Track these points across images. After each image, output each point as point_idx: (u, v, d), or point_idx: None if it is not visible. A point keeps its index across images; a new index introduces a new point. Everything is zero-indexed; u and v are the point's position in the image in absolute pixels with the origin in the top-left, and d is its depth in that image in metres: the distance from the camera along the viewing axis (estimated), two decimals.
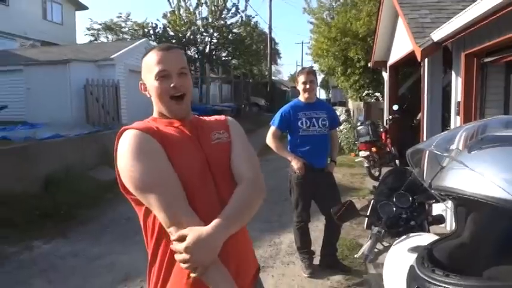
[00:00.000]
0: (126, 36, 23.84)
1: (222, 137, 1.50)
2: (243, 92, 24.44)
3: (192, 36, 22.11)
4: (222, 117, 1.64)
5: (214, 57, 23.35)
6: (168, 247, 1.31)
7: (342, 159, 9.20)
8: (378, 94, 13.65)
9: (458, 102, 4.65)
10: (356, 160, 9.14)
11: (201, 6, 22.06)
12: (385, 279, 1.77)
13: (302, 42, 49.62)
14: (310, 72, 3.89)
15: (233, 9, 22.67)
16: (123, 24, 24.53)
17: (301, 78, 3.82)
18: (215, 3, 21.84)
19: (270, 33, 30.81)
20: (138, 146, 1.31)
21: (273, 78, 36.79)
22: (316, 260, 4.03)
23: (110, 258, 4.42)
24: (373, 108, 11.83)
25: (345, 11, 13.48)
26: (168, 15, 22.08)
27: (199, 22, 22.20)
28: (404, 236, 1.95)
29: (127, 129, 1.38)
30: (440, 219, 2.31)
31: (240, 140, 1.55)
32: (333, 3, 15.52)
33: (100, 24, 24.57)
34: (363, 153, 8.03)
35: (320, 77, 26.36)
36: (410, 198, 2.16)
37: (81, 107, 10.49)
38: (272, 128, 3.93)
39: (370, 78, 12.99)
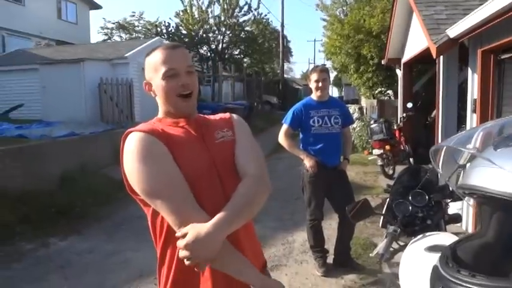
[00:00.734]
0: (139, 35, 24.02)
1: (226, 135, 1.49)
2: (255, 90, 24.42)
3: (204, 35, 22.19)
4: (227, 115, 1.62)
5: (226, 55, 23.39)
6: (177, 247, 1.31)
7: (355, 157, 9.14)
8: (391, 92, 13.52)
9: (475, 100, 4.57)
10: (369, 158, 9.07)
11: (213, 5, 22.14)
12: (401, 279, 1.75)
13: (314, 40, 49.29)
14: (323, 70, 3.86)
15: (245, 7, 22.69)
16: (136, 23, 24.76)
17: (314, 76, 3.80)
18: (227, 2, 21.86)
19: (282, 30, 30.72)
20: (144, 149, 1.30)
21: (285, 76, 36.69)
22: (330, 259, 4.01)
23: (124, 255, 4.46)
24: (386, 106, 11.72)
25: (358, 8, 13.37)
26: (181, 13, 22.18)
27: (211, 20, 22.28)
28: (420, 235, 1.93)
29: (132, 131, 1.36)
30: (457, 218, 2.29)
31: (245, 137, 1.53)
32: (347, 0, 15.42)
33: (113, 23, 24.80)
34: (376, 151, 7.96)
35: (333, 75, 26.21)
36: (427, 197, 2.14)
37: (96, 105, 10.60)
38: (284, 126, 3.92)
39: (383, 76, 12.86)
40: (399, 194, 2.25)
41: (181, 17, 22.19)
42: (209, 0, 21.93)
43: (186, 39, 22.02)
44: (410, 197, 2.14)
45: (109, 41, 23.38)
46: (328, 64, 15.95)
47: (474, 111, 4.59)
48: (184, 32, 22.30)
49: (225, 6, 22.05)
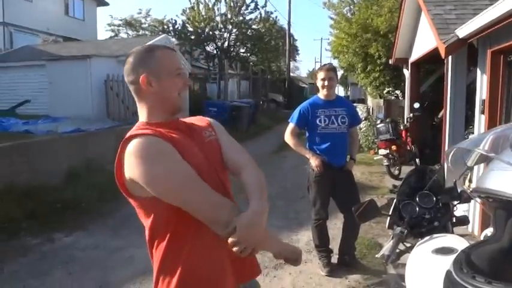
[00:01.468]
0: (146, 32, 24.06)
1: (211, 135, 1.59)
2: (261, 89, 24.41)
3: (211, 32, 22.19)
4: (204, 118, 1.72)
5: (232, 53, 23.38)
6: (183, 243, 1.40)
7: (360, 157, 9.09)
8: (398, 92, 13.44)
9: (483, 101, 4.53)
10: (375, 158, 9.03)
11: (220, 3, 22.12)
12: (407, 280, 1.74)
13: (321, 39, 49.05)
14: (330, 69, 3.83)
15: (252, 5, 22.65)
16: (143, 20, 24.81)
17: (321, 75, 3.77)
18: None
19: (289, 29, 30.67)
20: (156, 151, 1.34)
21: (291, 74, 36.65)
22: (334, 259, 4.00)
23: (128, 252, 4.47)
24: (393, 106, 11.65)
25: (366, 7, 13.28)
26: (187, 11, 22.19)
27: (218, 18, 22.26)
28: (427, 237, 1.91)
29: (135, 136, 1.37)
30: (464, 220, 2.26)
31: (226, 136, 1.66)
32: None
33: (120, 20, 24.87)
34: (382, 152, 7.92)
35: (339, 74, 26.07)
36: (434, 199, 2.11)
37: (102, 101, 10.64)
38: (290, 125, 3.90)
39: (390, 76, 12.78)
40: (406, 195, 2.22)
41: (188, 14, 22.20)
42: None
43: (193, 37, 22.04)
44: (417, 198, 2.12)
45: (116, 38, 23.44)
46: (335, 63, 15.87)
47: (482, 112, 4.55)
48: (190, 29, 22.30)
49: (232, 4, 22.03)
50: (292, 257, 1.54)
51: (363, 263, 3.99)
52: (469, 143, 1.54)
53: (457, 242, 1.73)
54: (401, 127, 8.39)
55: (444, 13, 5.63)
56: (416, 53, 8.22)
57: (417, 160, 7.96)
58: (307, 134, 3.93)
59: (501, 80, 4.24)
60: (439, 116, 7.83)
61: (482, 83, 4.64)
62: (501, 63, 4.24)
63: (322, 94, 3.84)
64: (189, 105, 15.30)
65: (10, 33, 16.90)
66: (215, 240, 1.38)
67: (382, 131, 8.05)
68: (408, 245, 2.10)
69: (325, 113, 3.77)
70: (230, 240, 1.28)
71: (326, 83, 3.75)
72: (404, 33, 8.74)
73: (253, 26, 23.60)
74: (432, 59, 7.12)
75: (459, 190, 2.07)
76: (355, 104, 8.30)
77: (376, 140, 8.87)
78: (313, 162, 3.71)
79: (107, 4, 23.65)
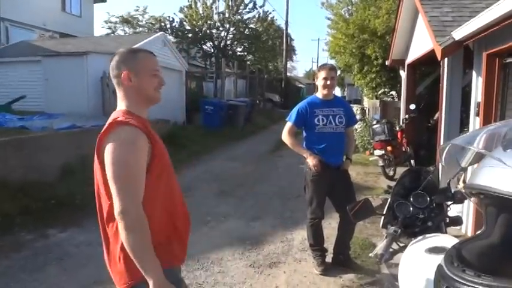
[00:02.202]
0: (142, 29, 23.96)
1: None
2: (257, 88, 24.40)
3: (208, 31, 22.12)
4: None
5: (230, 52, 23.34)
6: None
7: (356, 157, 9.13)
8: (394, 93, 13.50)
9: (478, 103, 4.56)
10: (371, 159, 9.06)
11: (218, 1, 22.08)
12: (400, 280, 1.75)
13: (318, 39, 49.18)
14: (332, 69, 3.87)
15: (250, 5, 22.63)
16: (140, 18, 24.66)
17: (322, 74, 3.78)
18: None
19: (286, 29, 30.74)
20: (134, 140, 1.58)
21: (288, 74, 36.67)
22: (329, 258, 4.02)
23: None
24: (389, 107, 11.70)
25: (363, 8, 13.33)
26: (185, 9, 22.12)
27: (215, 17, 22.20)
28: (421, 237, 1.92)
29: (125, 123, 1.61)
30: (457, 221, 2.28)
31: None
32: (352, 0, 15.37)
33: (117, 17, 24.74)
34: (378, 152, 7.95)
35: None
36: (428, 199, 2.13)
37: (98, 98, 10.60)
38: (288, 124, 3.91)
39: (387, 77, 12.84)
40: (400, 195, 2.24)
41: (185, 12, 22.12)
42: None
43: (190, 35, 21.97)
44: (411, 198, 2.13)
45: (112, 35, 23.33)
46: (332, 63, 15.90)
47: (477, 114, 4.58)
48: (188, 27, 22.24)
49: (230, 3, 21.99)
50: None
51: (357, 262, 4.01)
52: (463, 139, 1.55)
53: (450, 242, 1.74)
54: (397, 128, 8.43)
55: (441, 15, 5.65)
56: (413, 55, 8.25)
57: (412, 161, 8.00)
58: (304, 134, 3.94)
59: (496, 82, 4.27)
60: (435, 118, 7.87)
61: (477, 85, 4.68)
62: (496, 66, 4.27)
63: (321, 93, 3.86)
64: (186, 104, 15.35)
65: (6, 28, 16.77)
66: (171, 217, 1.73)
67: (378, 132, 8.08)
68: (402, 244, 2.11)
69: (323, 113, 3.79)
70: None
71: (328, 82, 3.76)
72: (401, 34, 8.77)
73: (251, 25, 23.57)
74: (428, 61, 7.15)
75: (453, 191, 2.09)
76: (350, 105, 8.33)
77: (371, 141, 8.91)
78: (311, 161, 3.72)
79: (104, 1, 23.52)
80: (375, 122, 8.72)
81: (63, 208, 5.66)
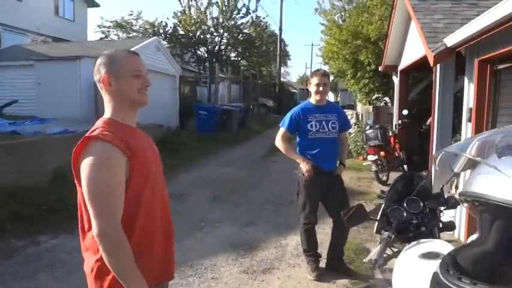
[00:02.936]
0: (136, 34, 23.93)
1: (157, 149, 1.84)
2: (251, 93, 24.44)
3: (202, 36, 22.15)
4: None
5: (223, 57, 23.38)
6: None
7: (349, 162, 9.15)
8: (387, 98, 13.58)
9: (470, 109, 4.60)
10: (364, 164, 9.09)
11: (212, 6, 22.11)
12: (394, 285, 1.75)
13: (312, 45, 49.44)
14: (325, 75, 3.87)
15: (244, 10, 22.70)
16: (134, 22, 24.64)
17: (315, 80, 3.80)
18: (226, 4, 21.87)
19: (280, 34, 30.84)
20: (105, 159, 1.50)
21: (282, 79, 36.77)
22: (322, 263, 4.01)
23: None
24: (382, 113, 11.77)
25: (357, 14, 13.43)
26: (179, 14, 22.14)
27: (209, 22, 22.23)
28: (414, 242, 1.93)
29: (98, 138, 1.53)
30: (451, 226, 2.29)
31: None
32: (345, 6, 15.48)
33: (111, 21, 24.70)
34: (371, 157, 7.99)
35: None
36: (422, 204, 2.14)
37: (91, 103, 10.53)
38: (281, 130, 3.92)
39: (380, 82, 12.92)
40: (394, 201, 2.24)
41: (179, 17, 22.13)
42: (208, 2, 21.92)
43: (183, 40, 21.98)
44: (405, 204, 2.14)
45: (106, 39, 23.27)
46: (325, 69, 15.97)
47: (469, 120, 4.62)
48: (181, 32, 22.25)
49: (224, 8, 22.05)
50: None
51: (350, 267, 4.00)
52: (457, 147, 1.56)
53: (443, 247, 1.75)
54: (390, 133, 8.48)
55: (433, 22, 5.71)
56: (406, 61, 8.32)
57: (405, 166, 8.05)
58: (297, 139, 3.94)
59: (488, 88, 4.32)
60: (427, 123, 7.93)
61: (469, 91, 4.72)
62: (488, 72, 4.31)
63: (314, 99, 3.87)
64: (179, 109, 15.32)
65: None
66: (149, 235, 1.64)
67: (371, 137, 8.12)
68: (395, 249, 2.12)
69: (317, 118, 3.79)
70: None
71: (320, 88, 3.77)
72: (394, 41, 8.85)
73: (245, 31, 23.64)
74: (421, 67, 7.22)
75: (446, 196, 2.10)
76: (344, 110, 8.36)
77: (365, 146, 8.94)
78: (304, 166, 3.73)
79: (97, 5, 23.48)
80: (368, 128, 8.77)
81: (54, 214, 5.59)
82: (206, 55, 23.05)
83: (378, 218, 2.25)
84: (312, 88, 3.83)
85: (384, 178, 7.87)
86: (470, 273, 1.13)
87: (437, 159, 1.71)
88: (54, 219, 5.48)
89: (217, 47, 22.87)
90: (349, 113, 14.19)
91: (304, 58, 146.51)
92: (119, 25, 24.54)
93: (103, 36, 24.60)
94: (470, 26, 4.05)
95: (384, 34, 10.58)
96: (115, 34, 24.91)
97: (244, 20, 23.16)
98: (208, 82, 20.27)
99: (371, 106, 13.29)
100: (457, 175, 1.89)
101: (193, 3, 21.88)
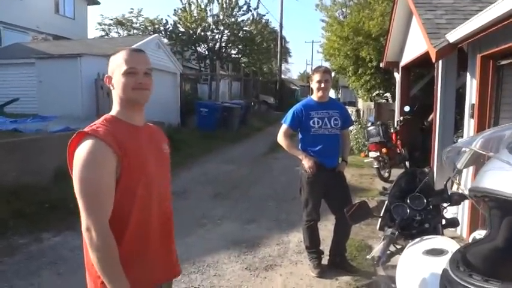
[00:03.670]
0: (137, 32, 23.89)
1: (166, 148, 1.83)
2: (252, 90, 24.42)
3: (202, 33, 22.12)
4: (162, 132, 1.92)
5: (224, 54, 23.34)
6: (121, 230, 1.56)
7: (351, 159, 9.10)
8: (388, 95, 13.55)
9: (473, 105, 4.58)
10: (365, 161, 9.08)
11: (212, 3, 22.07)
12: (398, 282, 1.75)
13: (313, 41, 49.31)
14: (326, 71, 3.86)
15: (244, 7, 22.66)
16: (134, 20, 24.59)
17: (316, 77, 3.79)
18: (226, 1, 21.82)
19: (281, 31, 30.77)
20: (93, 157, 1.49)
21: (283, 76, 36.73)
22: (325, 260, 4.01)
23: None
24: (383, 109, 11.75)
25: (358, 10, 13.39)
26: (179, 11, 22.10)
27: (210, 19, 22.20)
28: (418, 239, 1.93)
29: (89, 135, 1.53)
30: (454, 223, 2.28)
31: None
32: (347, 1, 15.43)
33: (111, 19, 24.66)
34: (372, 154, 7.97)
35: None
36: (425, 201, 2.13)
37: (92, 101, 10.54)
38: (284, 126, 3.91)
39: (381, 79, 12.89)
40: (397, 197, 2.24)
41: (179, 15, 22.09)
42: None
43: (184, 37, 21.95)
44: (408, 200, 2.14)
45: (106, 37, 23.24)
46: (326, 65, 15.93)
47: (472, 116, 4.60)
48: (182, 29, 22.21)
49: (224, 5, 22.00)
50: None
51: (353, 264, 4.00)
52: (464, 143, 1.55)
53: (447, 243, 1.75)
54: (392, 130, 8.46)
55: (435, 18, 5.68)
56: (407, 57, 8.29)
57: (407, 163, 8.03)
58: (300, 136, 3.94)
59: (490, 84, 4.30)
60: (429, 120, 7.91)
61: (471, 87, 4.70)
62: (490, 68, 4.29)
63: (316, 96, 3.86)
64: (180, 106, 15.31)
65: None
66: (148, 234, 1.64)
67: (373, 134, 8.11)
68: (399, 246, 2.11)
69: (319, 115, 3.79)
70: None
71: (322, 85, 3.76)
72: (396, 37, 8.81)
73: (245, 28, 23.59)
74: (422, 63, 7.19)
75: (449, 192, 2.09)
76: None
77: (366, 143, 8.93)
78: (306, 163, 3.72)
79: (97, 3, 23.45)
80: (369, 124, 8.75)
81: (56, 212, 5.60)
82: (207, 52, 23.02)
83: (381, 214, 2.24)
84: (314, 85, 3.83)
85: (386, 175, 7.86)
86: (480, 270, 1.12)
87: (446, 154, 1.69)
88: (56, 217, 5.49)
89: (217, 44, 22.84)
90: (349, 109, 14.17)
91: (305, 55, 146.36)
92: (120, 23, 24.50)
93: (103, 34, 24.56)
94: (472, 22, 4.03)
95: (385, 30, 10.55)
96: (115, 32, 24.88)
97: (244, 17, 23.16)
98: (209, 79, 20.25)
99: (372, 103, 13.26)
100: (460, 172, 1.88)
101: (194, 0, 21.86)
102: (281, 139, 3.91)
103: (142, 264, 1.62)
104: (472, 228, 4.18)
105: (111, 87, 1.67)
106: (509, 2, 3.20)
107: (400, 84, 9.38)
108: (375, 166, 7.94)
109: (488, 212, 1.26)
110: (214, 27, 22.31)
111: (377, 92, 13.82)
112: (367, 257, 2.36)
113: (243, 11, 22.65)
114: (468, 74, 4.84)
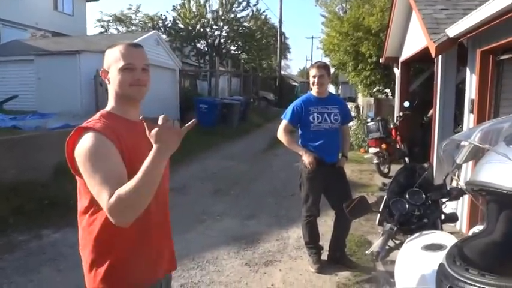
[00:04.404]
0: (136, 28, 23.84)
1: None
2: (252, 86, 24.38)
3: (201, 29, 22.07)
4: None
5: (224, 50, 23.30)
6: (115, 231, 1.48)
7: (350, 155, 9.09)
8: (388, 90, 13.53)
9: (472, 100, 4.57)
10: (365, 156, 9.08)
11: None
12: (397, 277, 1.75)
13: (312, 37, 49.19)
14: (321, 67, 3.84)
15: (244, 3, 22.59)
16: (133, 16, 24.54)
17: (312, 72, 3.81)
18: None
19: (280, 27, 30.69)
20: (96, 148, 1.45)
21: (282, 73, 36.67)
22: (324, 256, 4.02)
23: None
24: (383, 105, 11.74)
25: (357, 6, 13.34)
26: (178, 7, 22.04)
27: (209, 15, 22.16)
28: (417, 234, 1.92)
29: (89, 129, 1.50)
30: (453, 218, 2.28)
31: None
32: None
33: (110, 16, 24.60)
34: (372, 150, 7.97)
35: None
36: (424, 196, 2.13)
37: (91, 97, 10.53)
38: (283, 122, 3.90)
39: (381, 74, 12.86)
40: (396, 192, 2.23)
41: (178, 11, 22.04)
42: None
43: (183, 33, 21.89)
44: (407, 196, 2.13)
45: (105, 33, 23.18)
46: (326, 61, 15.89)
47: (471, 111, 4.60)
48: (181, 26, 22.16)
49: (224, 1, 21.94)
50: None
51: (352, 259, 4.01)
52: (462, 136, 1.54)
53: (446, 238, 1.74)
54: (391, 126, 8.45)
55: (435, 13, 5.66)
56: (407, 52, 8.27)
57: (406, 158, 8.02)
58: (299, 131, 3.93)
59: (490, 79, 4.29)
60: (429, 115, 7.90)
61: (471, 82, 4.69)
62: (490, 63, 4.28)
63: (314, 91, 3.85)
64: (179, 102, 15.29)
65: None
66: (148, 229, 1.59)
67: (373, 130, 8.10)
68: (398, 241, 2.11)
69: (318, 111, 3.78)
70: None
71: (316, 80, 3.76)
72: (395, 32, 8.79)
73: (245, 24, 23.53)
74: (422, 58, 7.17)
75: (448, 187, 2.09)
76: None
77: (366, 138, 8.92)
78: (306, 159, 3.72)
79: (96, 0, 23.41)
80: (369, 120, 8.74)
81: (56, 208, 5.60)
82: (206, 49, 22.99)
83: (380, 210, 2.24)
84: (310, 80, 3.84)
85: (386, 170, 7.86)
86: (477, 264, 1.12)
87: (443, 147, 1.69)
88: (56, 213, 5.49)
89: (217, 41, 22.80)
90: (348, 105, 14.16)
91: (304, 51, 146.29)
92: (118, 19, 24.46)
93: (102, 30, 24.54)
94: (472, 16, 4.01)
95: (384, 25, 10.51)
96: (114, 28, 24.86)
97: (244, 13, 23.11)
98: (209, 76, 20.22)
99: (372, 98, 13.24)
100: (460, 166, 1.87)
101: None
102: (281, 135, 3.91)
103: (142, 259, 1.61)
104: (472, 223, 4.19)
105: (107, 82, 1.63)
106: None
107: (399, 79, 9.36)
108: (375, 162, 7.94)
109: (485, 206, 1.25)
110: (213, 23, 22.27)
111: (377, 87, 13.80)
112: (366, 252, 2.35)
113: (242, 6, 22.62)
114: (468, 69, 4.83)
